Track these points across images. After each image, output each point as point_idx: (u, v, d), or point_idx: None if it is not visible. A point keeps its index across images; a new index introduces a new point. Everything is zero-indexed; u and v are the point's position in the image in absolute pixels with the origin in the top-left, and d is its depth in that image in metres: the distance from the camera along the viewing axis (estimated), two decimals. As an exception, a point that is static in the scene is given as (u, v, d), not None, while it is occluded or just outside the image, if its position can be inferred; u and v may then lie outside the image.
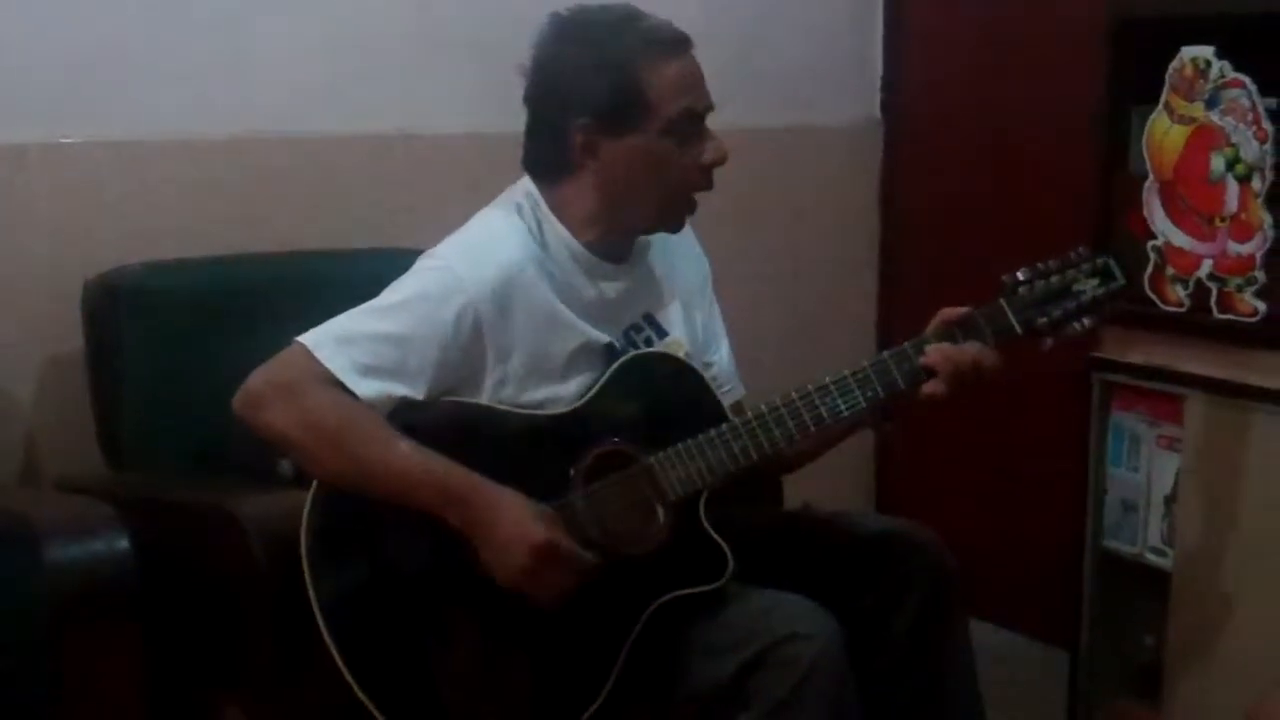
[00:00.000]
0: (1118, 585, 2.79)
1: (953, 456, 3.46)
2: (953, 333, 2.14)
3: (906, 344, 2.14)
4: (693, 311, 2.33)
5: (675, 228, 2.24)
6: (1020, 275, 2.17)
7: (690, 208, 2.22)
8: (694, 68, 2.16)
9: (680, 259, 2.34)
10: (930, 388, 2.12)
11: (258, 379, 2.05)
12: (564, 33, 2.15)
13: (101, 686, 2.10)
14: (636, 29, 2.13)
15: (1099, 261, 2.21)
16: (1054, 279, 2.17)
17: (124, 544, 2.10)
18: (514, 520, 1.97)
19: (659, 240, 2.29)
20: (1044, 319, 2.16)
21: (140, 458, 2.51)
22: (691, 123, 2.14)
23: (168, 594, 2.19)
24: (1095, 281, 2.19)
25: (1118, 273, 2.21)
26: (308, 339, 2.06)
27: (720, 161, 2.17)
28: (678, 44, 2.15)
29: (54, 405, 2.64)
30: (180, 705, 2.27)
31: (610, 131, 2.13)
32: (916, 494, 3.61)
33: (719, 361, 2.35)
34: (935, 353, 2.12)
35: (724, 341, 2.39)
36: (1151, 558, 2.71)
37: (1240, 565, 2.54)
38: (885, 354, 2.13)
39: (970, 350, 2.12)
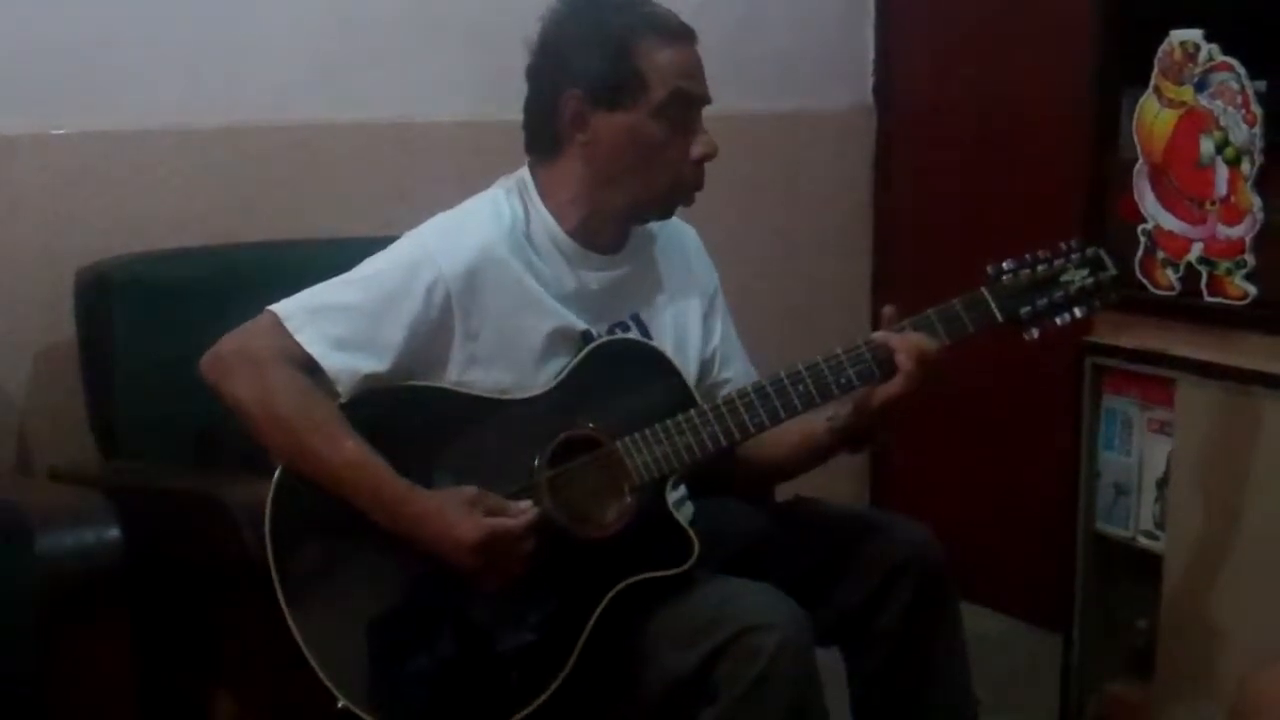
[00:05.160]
0: (1110, 569, 2.79)
1: (946, 441, 3.47)
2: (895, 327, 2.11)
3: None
4: (685, 322, 2.29)
5: (661, 215, 2.23)
6: (1005, 265, 2.15)
7: (677, 198, 2.21)
8: (694, 58, 2.17)
9: (684, 266, 2.32)
10: (889, 387, 2.07)
11: (228, 345, 2.08)
12: (571, 7, 2.17)
13: (92, 675, 2.10)
14: (641, 11, 2.16)
15: (1089, 252, 2.18)
16: (1040, 268, 2.15)
17: (115, 533, 2.10)
18: (443, 532, 1.97)
19: (665, 243, 2.29)
20: (1027, 308, 2.14)
21: (133, 447, 2.51)
22: (684, 107, 2.14)
23: (159, 583, 2.20)
24: (1085, 272, 2.17)
25: (1108, 263, 2.19)
26: (280, 309, 2.08)
27: (709, 156, 2.16)
28: (681, 32, 2.16)
29: (46, 395, 2.66)
30: (171, 694, 2.28)
31: (601, 105, 2.13)
32: (910, 479, 3.62)
33: (734, 379, 2.30)
34: (880, 337, 2.09)
35: (739, 358, 2.36)
36: (1144, 541, 2.71)
37: (1232, 548, 2.54)
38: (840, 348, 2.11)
39: (911, 337, 2.08)
